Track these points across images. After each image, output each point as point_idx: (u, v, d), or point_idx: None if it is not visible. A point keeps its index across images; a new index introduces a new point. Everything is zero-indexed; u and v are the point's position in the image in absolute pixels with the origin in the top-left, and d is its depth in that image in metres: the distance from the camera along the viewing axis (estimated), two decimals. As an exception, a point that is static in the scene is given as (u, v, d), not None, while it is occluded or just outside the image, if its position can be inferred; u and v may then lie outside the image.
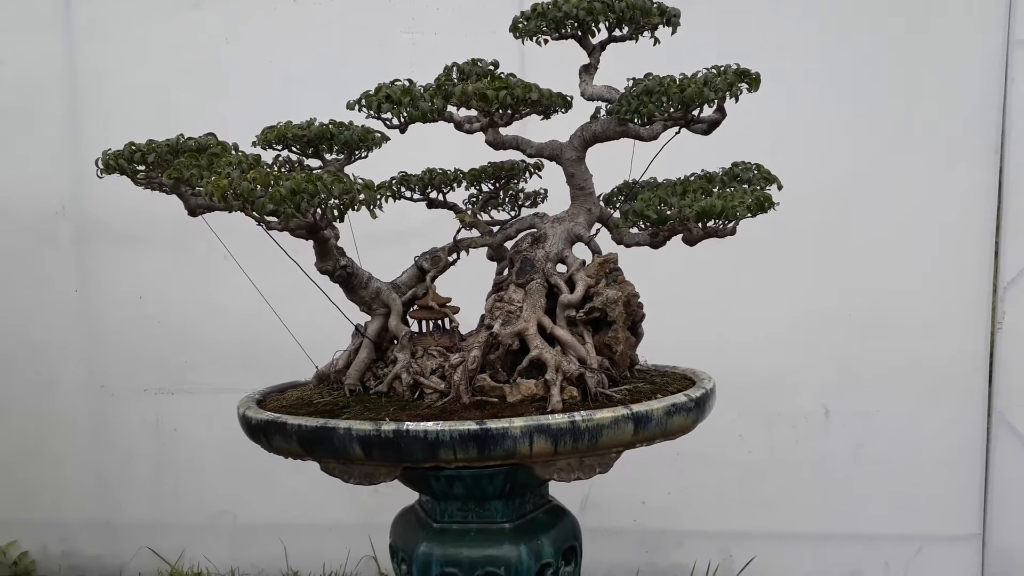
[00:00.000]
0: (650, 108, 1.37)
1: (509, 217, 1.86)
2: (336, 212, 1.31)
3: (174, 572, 2.88)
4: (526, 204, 1.89)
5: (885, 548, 2.68)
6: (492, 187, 1.86)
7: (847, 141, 2.61)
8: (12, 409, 2.97)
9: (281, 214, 1.29)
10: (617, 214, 1.68)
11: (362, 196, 1.34)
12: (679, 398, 1.48)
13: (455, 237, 1.69)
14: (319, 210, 1.34)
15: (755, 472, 2.71)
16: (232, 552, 2.92)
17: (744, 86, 1.45)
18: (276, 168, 1.63)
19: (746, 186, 1.52)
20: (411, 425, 1.38)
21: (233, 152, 1.49)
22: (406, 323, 1.71)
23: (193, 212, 1.54)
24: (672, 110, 1.40)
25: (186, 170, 1.38)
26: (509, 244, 1.73)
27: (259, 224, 1.37)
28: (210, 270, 2.76)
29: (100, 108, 2.81)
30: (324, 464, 1.53)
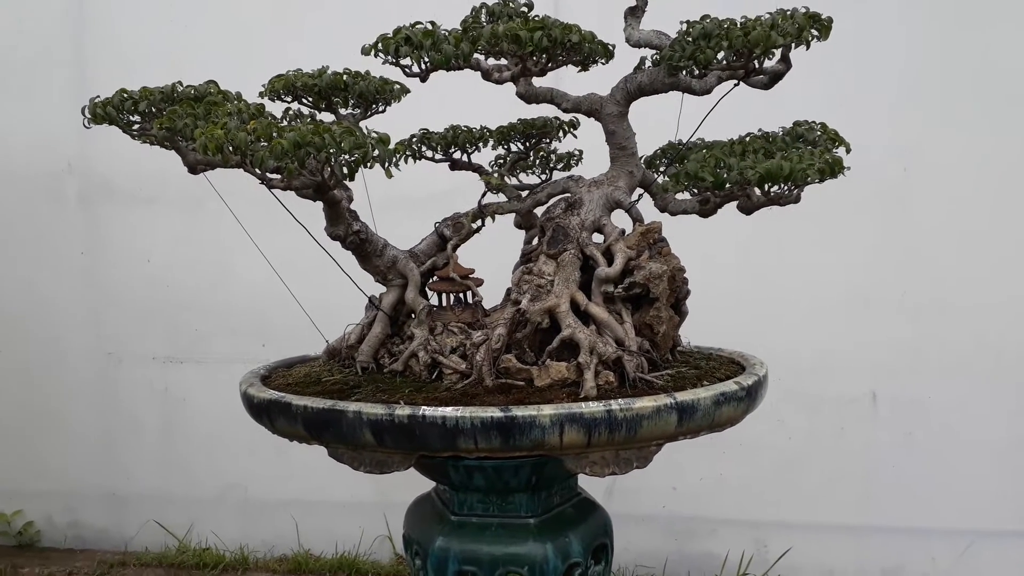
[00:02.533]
0: (708, 54, 1.19)
1: (540, 181, 1.69)
2: (346, 169, 1.15)
3: (182, 547, 2.78)
4: (558, 167, 1.72)
5: (932, 543, 2.51)
6: (521, 147, 1.68)
7: (909, 102, 2.39)
8: (17, 373, 2.87)
9: (284, 170, 1.13)
10: (662, 178, 1.51)
11: (376, 152, 1.17)
12: (729, 386, 1.32)
13: (480, 201, 1.52)
14: (327, 167, 1.17)
15: (795, 460, 2.55)
16: (242, 528, 2.82)
17: (814, 32, 1.26)
18: (285, 121, 1.47)
19: (811, 148, 1.33)
20: (428, 410, 1.24)
21: (235, 102, 1.33)
22: (425, 296, 1.56)
23: (193, 168, 1.38)
24: (733, 58, 1.21)
25: (179, 120, 1.22)
26: (540, 211, 1.56)
27: (261, 182, 1.22)
28: (223, 233, 2.60)
29: (108, 62, 2.67)
30: (332, 449, 1.39)
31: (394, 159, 1.21)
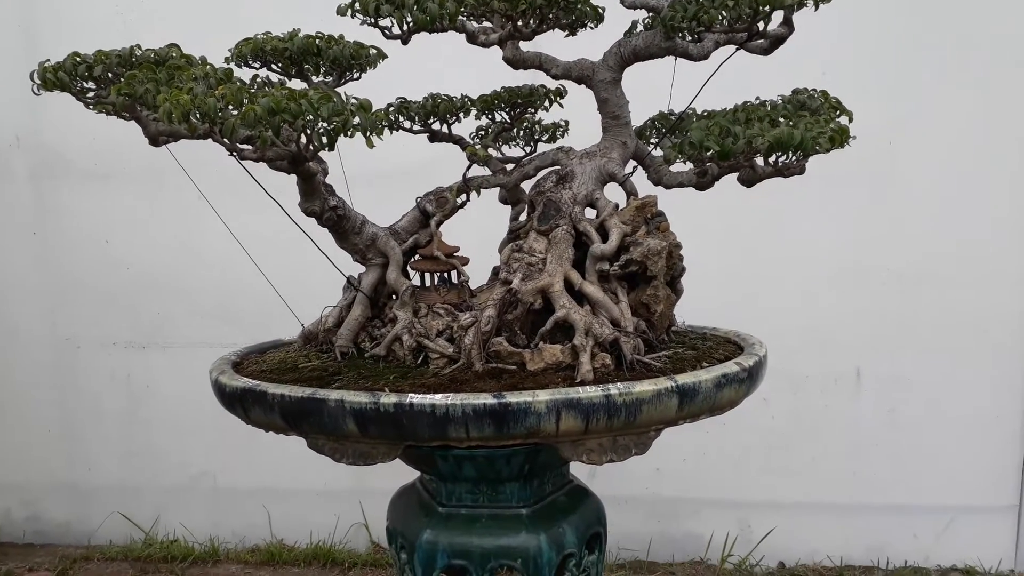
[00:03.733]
0: (711, 15, 1.11)
1: (524, 154, 1.61)
2: (325, 138, 1.05)
3: (148, 540, 2.67)
4: (543, 138, 1.63)
5: (914, 519, 2.51)
6: (506, 117, 1.59)
7: (895, 73, 2.34)
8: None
9: (256, 140, 1.03)
10: (656, 150, 1.43)
11: (357, 120, 1.08)
12: (730, 367, 1.26)
13: (464, 175, 1.44)
14: (303, 136, 1.08)
15: (779, 438, 2.51)
16: (211, 518, 2.72)
17: (821, -7, 1.19)
18: (255, 88, 1.37)
19: (815, 117, 1.26)
20: (416, 398, 1.16)
21: (200, 66, 1.22)
22: (407, 276, 1.47)
23: (155, 140, 1.27)
24: (736, 20, 1.13)
25: (139, 85, 1.11)
26: (527, 185, 1.48)
27: (231, 153, 1.12)
28: (186, 210, 2.47)
29: (58, 26, 2.50)
30: (312, 440, 1.30)
31: (377, 127, 1.11)
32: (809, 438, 2.51)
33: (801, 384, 2.49)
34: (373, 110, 1.54)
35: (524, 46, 1.38)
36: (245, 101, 1.04)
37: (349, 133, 1.08)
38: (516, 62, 1.36)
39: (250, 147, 1.08)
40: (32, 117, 2.51)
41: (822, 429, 2.50)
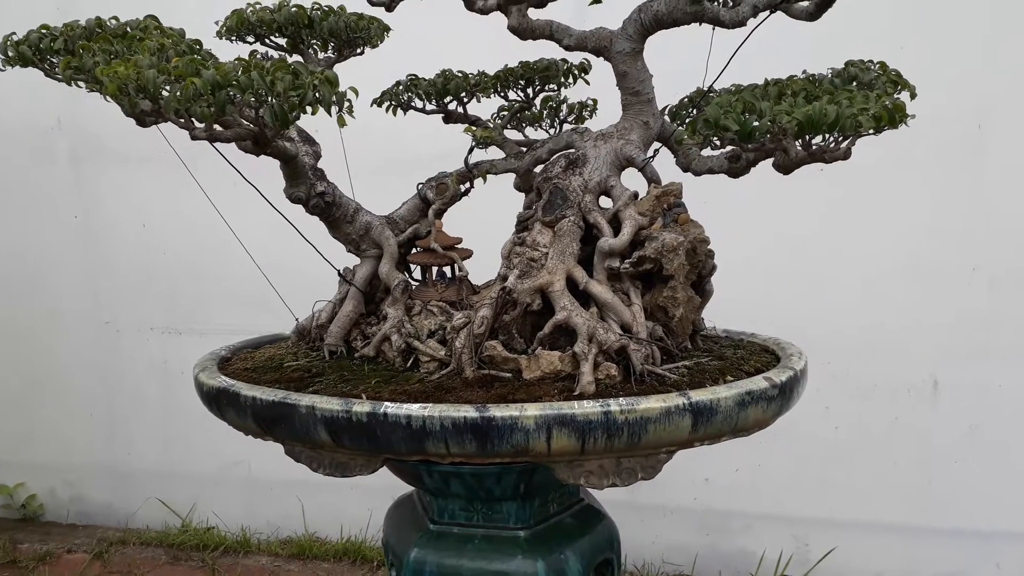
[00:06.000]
0: (737, -30, 0.94)
1: (548, 136, 1.46)
2: (277, 115, 0.93)
3: (185, 526, 2.65)
4: (569, 119, 1.47)
5: (997, 547, 2.24)
6: (522, 95, 1.45)
7: (990, 45, 2.07)
8: (16, 341, 2.75)
9: (198, 116, 0.92)
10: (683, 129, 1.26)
11: (318, 94, 0.95)
12: (756, 383, 1.09)
13: (467, 159, 1.30)
14: (258, 113, 0.96)
15: (842, 451, 2.29)
16: (246, 508, 2.68)
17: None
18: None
19: (866, 92, 1.07)
20: (390, 407, 1.04)
21: (169, 38, 1.12)
22: (406, 269, 1.35)
23: (140, 120, 1.18)
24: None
25: (89, 57, 1.01)
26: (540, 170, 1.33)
27: (191, 133, 1.01)
28: (221, 195, 2.42)
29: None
30: (288, 447, 1.20)
31: (345, 103, 0.99)
32: (876, 452, 2.27)
33: (868, 393, 2.26)
34: (383, 91, 1.43)
35: (534, 14, 1.23)
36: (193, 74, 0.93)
37: (309, 109, 0.96)
38: (523, 31, 1.21)
39: (201, 126, 0.97)
40: (72, 99, 2.48)
41: (892, 443, 2.27)
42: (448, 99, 1.47)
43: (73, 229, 2.62)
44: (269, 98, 0.93)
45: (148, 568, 2.48)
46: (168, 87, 0.94)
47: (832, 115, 0.87)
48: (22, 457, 2.80)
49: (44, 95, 2.51)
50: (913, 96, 1.14)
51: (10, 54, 1.13)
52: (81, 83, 1.12)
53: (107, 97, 0.94)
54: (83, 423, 2.75)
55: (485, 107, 1.50)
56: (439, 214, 1.31)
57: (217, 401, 1.22)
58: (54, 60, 1.16)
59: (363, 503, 2.58)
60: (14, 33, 1.15)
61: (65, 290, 2.68)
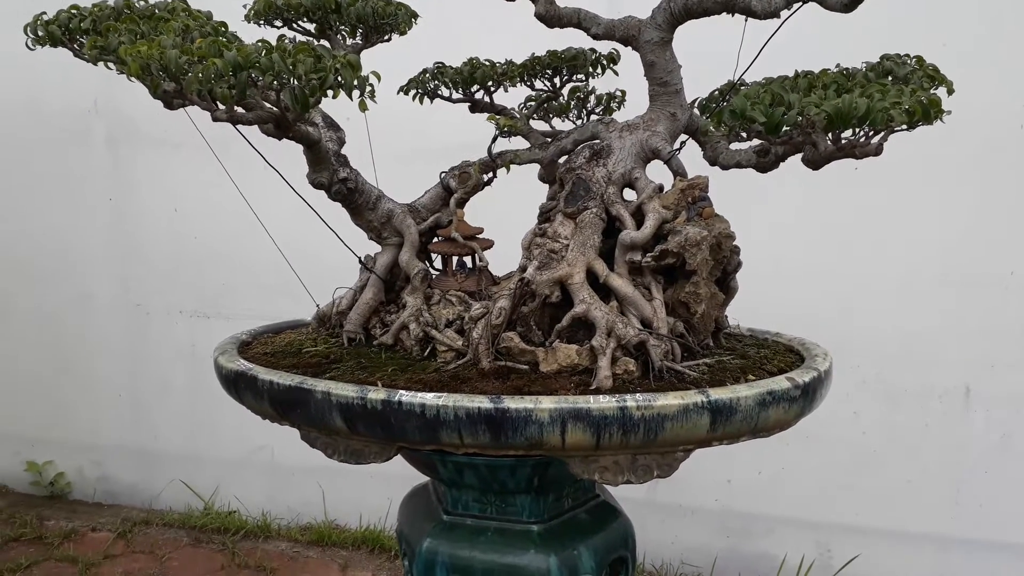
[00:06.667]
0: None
1: (575, 127, 1.44)
2: (297, 97, 0.93)
3: (207, 508, 2.68)
4: (597, 110, 1.46)
5: (1027, 561, 2.18)
6: (549, 85, 1.43)
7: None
8: (48, 321, 2.79)
9: (219, 97, 0.92)
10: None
11: (340, 78, 0.94)
12: (779, 383, 1.06)
13: (490, 148, 1.29)
14: (279, 95, 0.95)
15: (869, 456, 2.24)
16: (267, 493, 2.70)
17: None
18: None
19: (901, 86, 1.04)
20: (405, 395, 1.03)
21: (195, 20, 1.12)
22: (427, 258, 1.34)
23: (168, 103, 1.19)
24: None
25: (115, 37, 1.01)
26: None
27: (212, 115, 1.01)
28: (251, 181, 2.43)
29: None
30: (304, 432, 1.20)
31: (367, 87, 0.98)
32: (905, 458, 2.22)
33: (899, 398, 2.21)
34: (409, 80, 1.42)
35: (562, 1, 1.22)
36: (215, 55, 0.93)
37: (330, 92, 0.95)
38: (550, 19, 1.20)
39: (223, 108, 0.97)
40: (108, 82, 2.51)
41: (921, 449, 2.22)
42: (475, 88, 1.45)
43: (108, 212, 2.66)
44: (291, 80, 0.92)
45: (170, 549, 2.51)
46: (190, 68, 0.94)
47: (863, 108, 0.85)
48: (52, 436, 2.85)
49: (81, 77, 2.55)
50: (951, 92, 1.10)
51: (40, 33, 1.13)
52: (110, 64, 1.13)
53: (131, 77, 0.93)
54: (111, 405, 2.79)
55: (512, 96, 1.49)
56: (461, 203, 1.30)
57: (235, 384, 1.22)
58: (82, 40, 1.17)
59: (383, 492, 2.58)
60: (44, 13, 1.16)
61: (96, 273, 2.72)
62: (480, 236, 1.30)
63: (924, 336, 2.17)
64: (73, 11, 1.16)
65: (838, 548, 2.30)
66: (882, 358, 2.19)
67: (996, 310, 2.12)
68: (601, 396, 1.00)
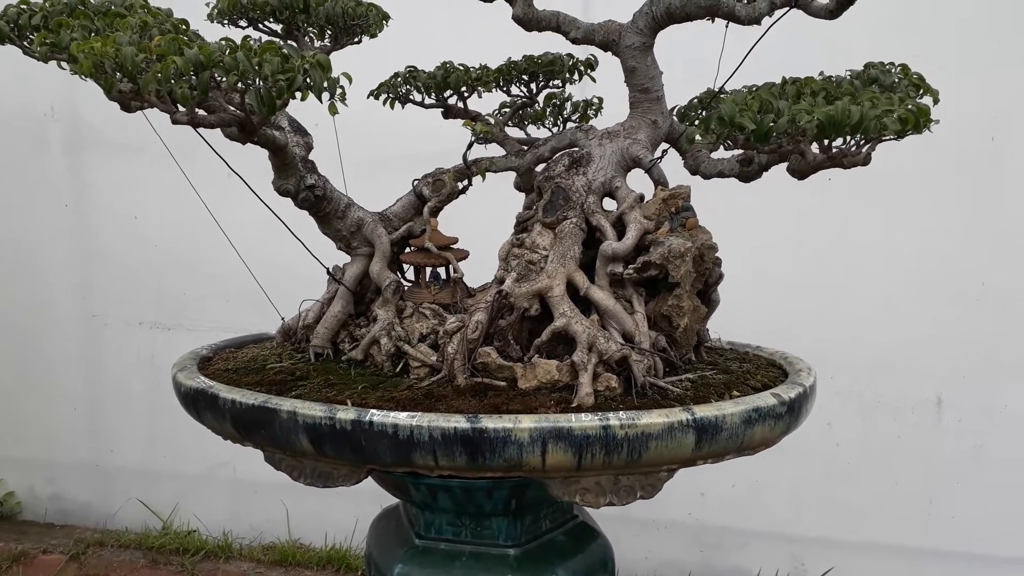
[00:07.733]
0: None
1: (551, 134, 1.40)
2: (263, 99, 0.87)
3: (166, 528, 2.58)
4: (572, 117, 1.42)
5: (999, 572, 2.18)
6: (525, 91, 1.39)
7: (998, 56, 2.02)
8: (1, 330, 2.67)
9: (179, 98, 0.86)
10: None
11: (309, 79, 0.89)
12: (764, 399, 1.03)
13: (464, 155, 1.24)
14: (244, 97, 0.90)
15: (843, 468, 2.23)
16: (229, 511, 2.61)
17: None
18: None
19: (888, 94, 1.01)
20: (377, 415, 0.98)
21: (153, 16, 1.05)
22: (399, 269, 1.29)
23: (125, 105, 1.12)
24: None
25: (67, 33, 0.95)
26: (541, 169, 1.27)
27: (172, 117, 0.95)
28: (216, 188, 2.35)
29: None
30: (268, 455, 1.14)
31: (337, 90, 0.93)
32: (878, 470, 2.22)
33: (872, 409, 2.21)
34: (380, 84, 1.37)
35: (540, 3, 1.18)
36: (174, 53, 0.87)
37: (298, 94, 0.90)
38: (528, 21, 1.16)
39: (183, 110, 0.91)
40: (67, 86, 2.43)
41: (894, 461, 2.21)
42: (448, 93, 1.41)
43: (64, 219, 2.55)
44: (256, 81, 0.86)
45: (126, 572, 2.41)
46: (148, 66, 0.88)
47: (856, 116, 0.82)
48: (1, 452, 2.72)
49: (39, 81, 2.46)
50: (936, 101, 1.08)
51: (-14, 29, 1.06)
52: (63, 64, 1.06)
53: (84, 77, 0.87)
54: (66, 418, 2.68)
55: (486, 103, 1.44)
56: (435, 212, 1.25)
57: (195, 403, 1.15)
58: (32, 37, 1.10)
59: (350, 510, 2.51)
60: (-8, 8, 1.09)
61: (53, 282, 2.62)
62: (455, 246, 1.25)
63: (897, 347, 2.17)
64: (23, 6, 1.09)
65: (812, 561, 2.28)
66: (855, 369, 2.18)
67: (968, 321, 2.12)
68: (583, 414, 0.96)
